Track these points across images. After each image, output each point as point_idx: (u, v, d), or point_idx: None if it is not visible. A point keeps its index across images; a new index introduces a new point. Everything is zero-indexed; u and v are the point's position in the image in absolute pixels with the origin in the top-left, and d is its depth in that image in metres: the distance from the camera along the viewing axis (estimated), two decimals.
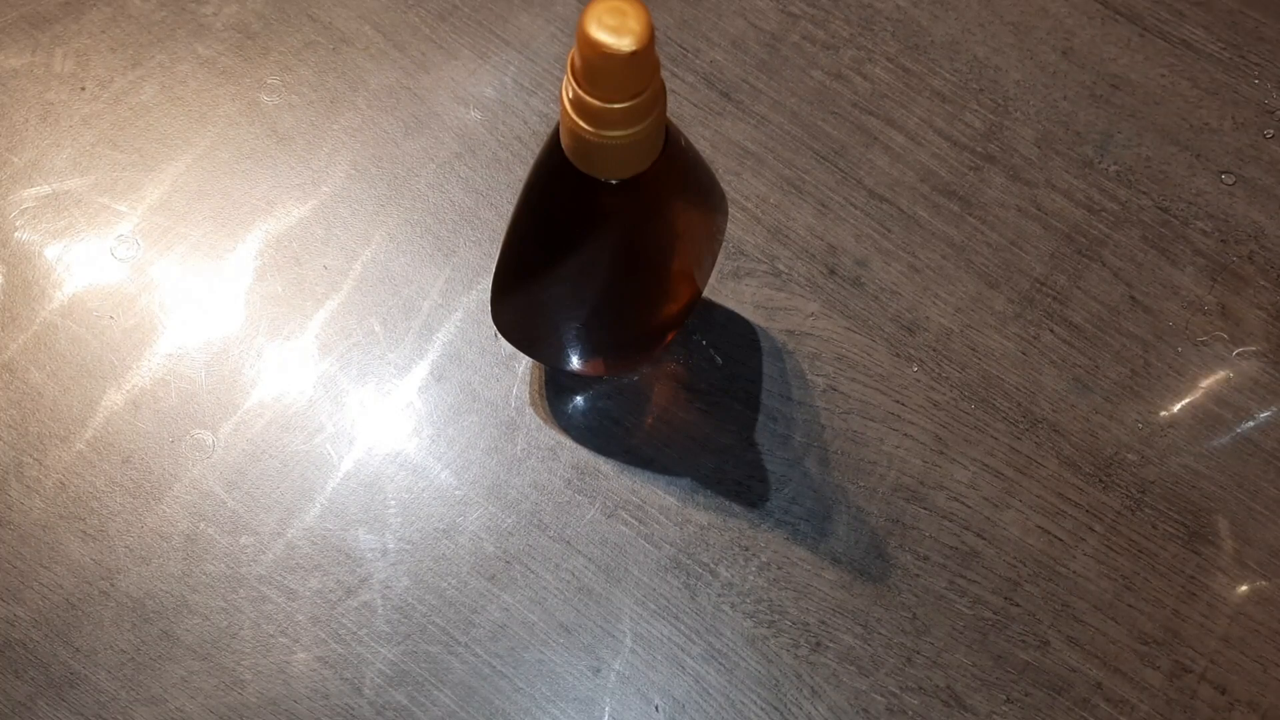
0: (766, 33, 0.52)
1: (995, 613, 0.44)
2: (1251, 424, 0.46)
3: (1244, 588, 0.44)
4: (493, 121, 0.50)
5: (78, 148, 0.49)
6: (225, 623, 0.43)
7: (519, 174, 0.49)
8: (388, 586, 0.43)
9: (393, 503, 0.44)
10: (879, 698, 0.43)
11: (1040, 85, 0.51)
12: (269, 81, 0.51)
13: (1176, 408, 0.47)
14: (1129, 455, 0.46)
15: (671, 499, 0.45)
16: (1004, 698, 0.43)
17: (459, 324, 0.47)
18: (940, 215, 0.49)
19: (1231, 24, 0.53)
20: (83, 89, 0.50)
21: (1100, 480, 0.45)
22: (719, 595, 0.44)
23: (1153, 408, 0.47)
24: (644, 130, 0.28)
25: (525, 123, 0.50)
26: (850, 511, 0.45)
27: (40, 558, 0.43)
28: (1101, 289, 0.48)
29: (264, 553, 0.44)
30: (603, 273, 0.36)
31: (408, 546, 0.44)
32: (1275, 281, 0.48)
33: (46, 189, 0.49)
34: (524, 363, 0.47)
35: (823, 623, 0.43)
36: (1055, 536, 0.45)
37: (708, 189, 0.37)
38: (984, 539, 0.45)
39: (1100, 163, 0.50)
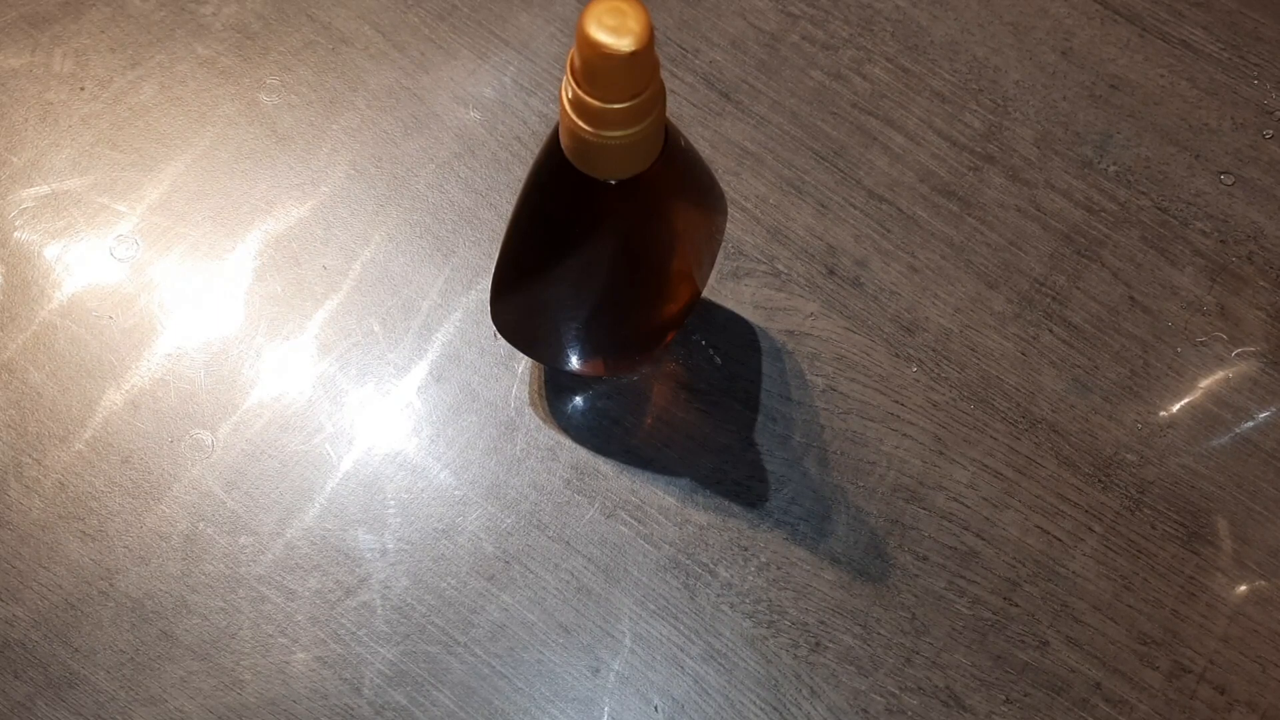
0: (766, 33, 0.52)
1: (994, 613, 0.44)
2: (1250, 424, 0.47)
3: (1243, 588, 0.44)
4: (492, 121, 0.50)
5: (77, 148, 0.49)
6: (224, 623, 0.43)
7: (518, 174, 0.49)
8: (387, 586, 0.43)
9: (392, 503, 0.44)
10: (878, 698, 0.43)
11: (1040, 85, 0.51)
12: (268, 81, 0.51)
13: (1176, 408, 0.47)
14: (1128, 455, 0.46)
15: (671, 499, 0.45)
16: (1003, 698, 0.43)
17: (458, 324, 0.47)
18: (940, 215, 0.49)
19: (1231, 24, 0.53)
20: (82, 89, 0.50)
21: (1099, 480, 0.45)
22: (718, 595, 0.44)
23: (1152, 408, 0.47)
24: (644, 130, 0.28)
25: (525, 123, 0.50)
26: (850, 512, 0.45)
27: (39, 558, 0.43)
28: (1101, 289, 0.48)
29: (263, 553, 0.44)
30: (602, 273, 0.36)
31: (407, 546, 0.44)
32: (1274, 282, 0.48)
33: (46, 189, 0.49)
34: (523, 363, 0.47)
35: (822, 623, 0.43)
36: (1054, 537, 0.45)
37: (707, 189, 0.37)
38: (983, 539, 0.45)
39: (1100, 163, 0.50)
